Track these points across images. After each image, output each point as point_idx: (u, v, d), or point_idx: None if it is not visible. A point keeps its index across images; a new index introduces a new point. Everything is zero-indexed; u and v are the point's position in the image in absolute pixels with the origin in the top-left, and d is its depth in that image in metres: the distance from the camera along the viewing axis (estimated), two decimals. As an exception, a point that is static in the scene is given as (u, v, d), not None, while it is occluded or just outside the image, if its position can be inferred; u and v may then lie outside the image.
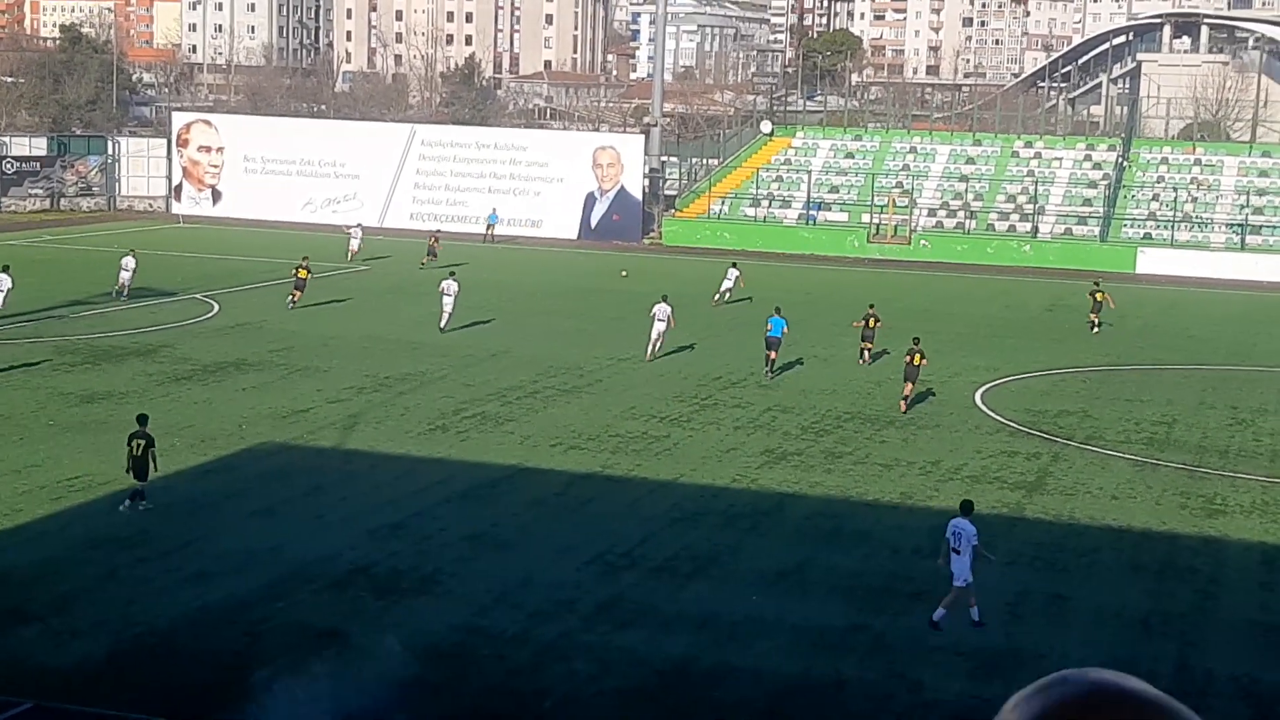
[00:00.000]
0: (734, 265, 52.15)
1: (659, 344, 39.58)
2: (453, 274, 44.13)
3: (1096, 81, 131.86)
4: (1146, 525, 25.91)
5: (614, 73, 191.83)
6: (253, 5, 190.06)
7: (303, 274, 46.25)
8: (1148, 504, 27.32)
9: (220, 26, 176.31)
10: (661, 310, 39.76)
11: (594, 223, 71.50)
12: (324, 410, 32.51)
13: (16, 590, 20.62)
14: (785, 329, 37.87)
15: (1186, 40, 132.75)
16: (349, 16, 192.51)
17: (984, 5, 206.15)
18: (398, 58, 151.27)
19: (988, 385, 37.91)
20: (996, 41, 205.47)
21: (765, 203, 72.30)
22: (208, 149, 75.45)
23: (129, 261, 46.99)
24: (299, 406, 32.74)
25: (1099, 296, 47.17)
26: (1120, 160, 72.42)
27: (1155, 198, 69.73)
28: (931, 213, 70.68)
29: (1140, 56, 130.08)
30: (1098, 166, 72.60)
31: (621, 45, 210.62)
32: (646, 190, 73.16)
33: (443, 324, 42.52)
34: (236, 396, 33.61)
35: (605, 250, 66.79)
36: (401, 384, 35.58)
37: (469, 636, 19.48)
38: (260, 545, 22.90)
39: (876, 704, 18.03)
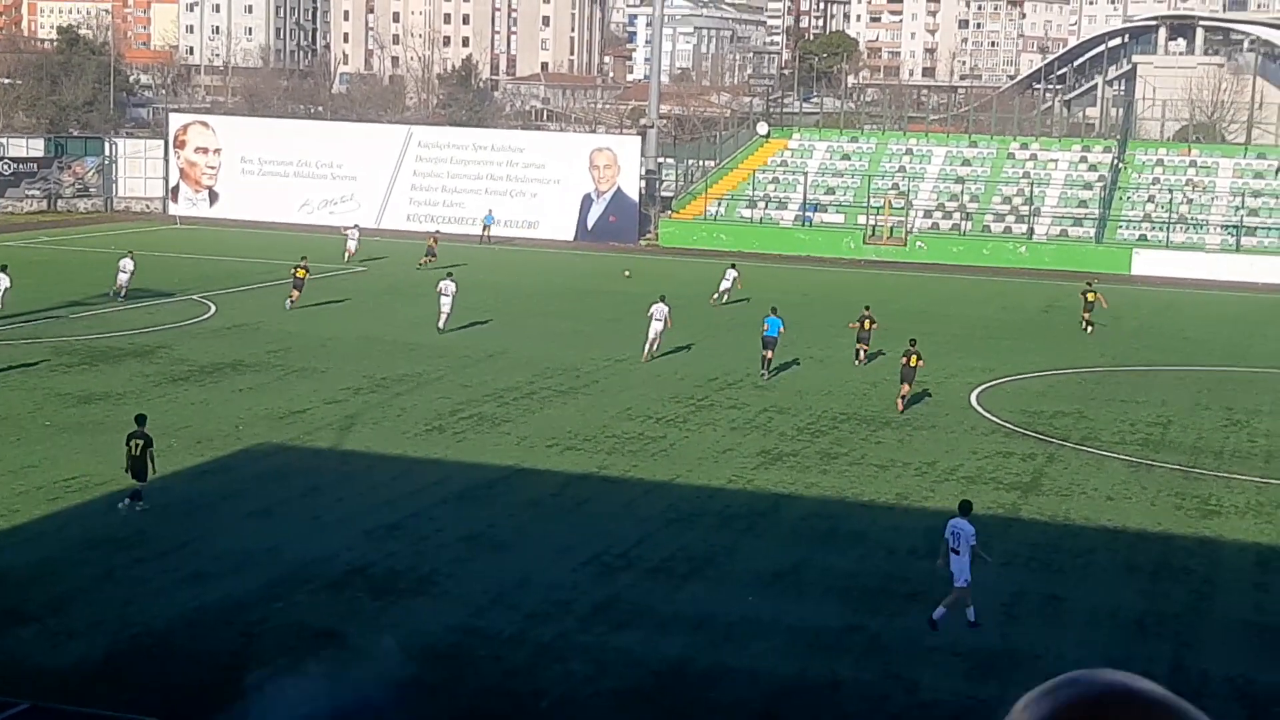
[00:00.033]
0: (732, 266, 52.27)
1: (656, 344, 39.64)
2: (450, 274, 44.20)
3: (1092, 83, 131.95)
4: (1141, 526, 25.96)
5: (610, 74, 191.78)
6: (250, 7, 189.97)
7: (301, 273, 46.31)
8: (1143, 505, 27.37)
9: (218, 28, 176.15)
10: (659, 310, 39.83)
11: (590, 224, 71.55)
12: (321, 411, 32.54)
13: (13, 591, 20.64)
14: (782, 329, 37.95)
15: (1182, 42, 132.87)
16: (346, 18, 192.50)
17: (980, 7, 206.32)
18: (395, 59, 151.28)
19: (983, 386, 37.97)
20: (992, 43, 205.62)
21: (761, 204, 72.35)
22: (205, 150, 75.46)
23: (127, 263, 47.03)
24: (296, 407, 32.77)
25: (1091, 296, 47.43)
26: (1116, 162, 72.51)
27: (1150, 199, 69.83)
28: (927, 214, 70.75)
29: (1135, 58, 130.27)
30: (1093, 168, 72.69)
31: (618, 47, 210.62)
32: (643, 192, 73.19)
33: (441, 324, 42.56)
34: (233, 397, 33.64)
35: (602, 252, 66.83)
36: (398, 385, 35.61)
37: (465, 637, 19.52)
38: (257, 546, 22.93)
39: (872, 704, 18.07)
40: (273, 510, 25.01)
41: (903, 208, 69.18)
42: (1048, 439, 32.45)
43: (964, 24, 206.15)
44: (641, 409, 33.84)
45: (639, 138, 76.59)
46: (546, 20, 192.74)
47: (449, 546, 23.32)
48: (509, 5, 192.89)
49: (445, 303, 42.64)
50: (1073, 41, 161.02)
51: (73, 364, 36.78)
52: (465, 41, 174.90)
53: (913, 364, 34.26)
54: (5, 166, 72.52)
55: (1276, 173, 70.82)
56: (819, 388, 37.10)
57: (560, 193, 71.61)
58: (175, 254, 59.34)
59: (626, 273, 56.93)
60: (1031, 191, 70.24)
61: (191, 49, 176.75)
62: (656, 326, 39.58)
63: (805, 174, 73.17)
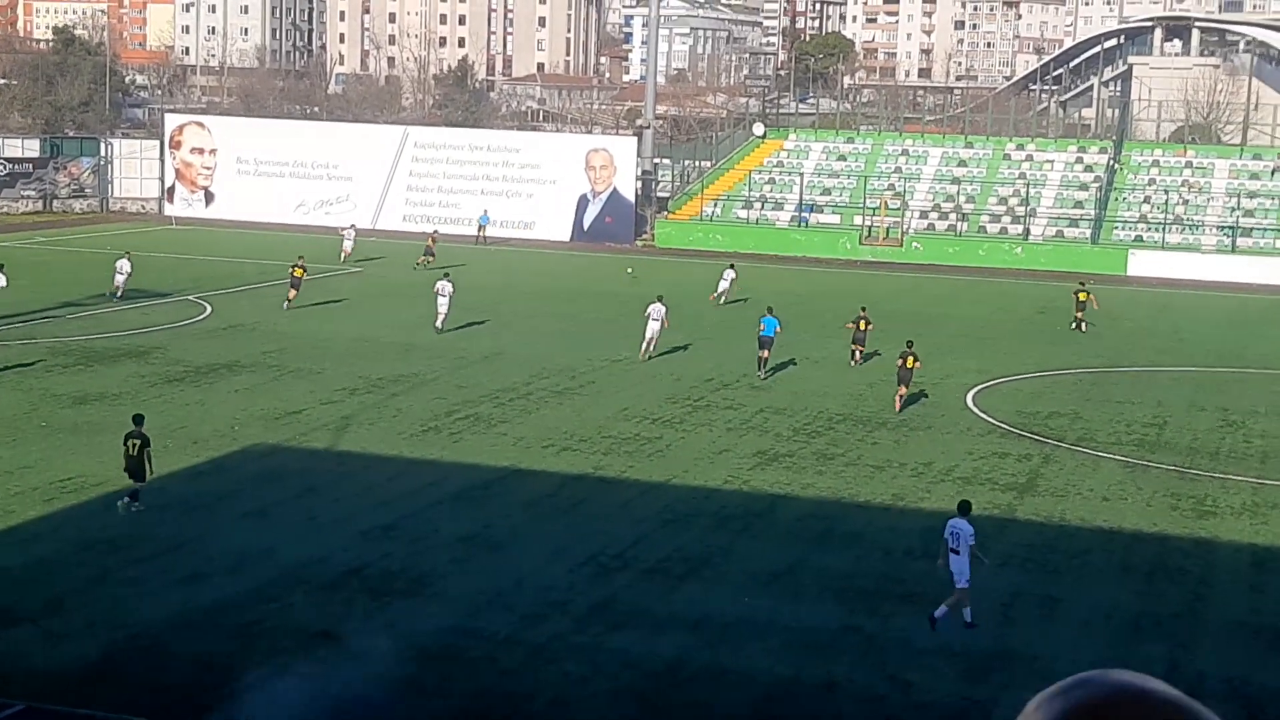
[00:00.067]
0: (731, 267, 52.30)
1: (653, 344, 39.67)
2: (447, 275, 44.25)
3: (1088, 84, 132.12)
4: (1137, 527, 25.97)
5: (607, 75, 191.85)
6: (246, 7, 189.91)
7: (298, 272, 46.34)
8: (1138, 506, 27.38)
9: (213, 29, 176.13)
10: (656, 310, 39.87)
11: (587, 225, 71.55)
12: (317, 412, 32.52)
13: (9, 592, 20.62)
14: (778, 328, 37.99)
15: (1177, 43, 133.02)
16: (342, 19, 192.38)
17: (976, 8, 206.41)
18: (390, 60, 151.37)
19: (979, 387, 37.98)
20: (988, 44, 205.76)
21: (757, 205, 72.35)
22: (200, 151, 75.41)
23: (124, 264, 47.03)
24: (292, 408, 32.75)
25: (1083, 296, 47.63)
26: (1111, 163, 72.56)
27: (1146, 200, 69.88)
28: (923, 215, 70.76)
29: (1131, 59, 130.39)
30: (1089, 169, 72.75)
31: (614, 48, 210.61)
32: (639, 192, 73.20)
33: (439, 324, 42.57)
34: (229, 398, 33.62)
35: (598, 252, 66.84)
36: (394, 385, 35.59)
37: (461, 638, 19.50)
38: (253, 547, 22.91)
39: (868, 705, 18.07)
40: (268, 511, 24.99)
41: (899, 208, 69.19)
42: (1043, 440, 32.46)
43: (960, 25, 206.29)
44: (638, 410, 33.84)
45: (635, 138, 76.60)
46: (542, 21, 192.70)
47: (445, 547, 23.31)
48: (505, 6, 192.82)
49: (442, 303, 42.66)
50: (1068, 42, 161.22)
51: (68, 364, 36.75)
52: (461, 42, 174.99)
53: (909, 365, 34.28)
54: (1, 167, 72.46)
55: (1272, 173, 70.90)
56: (815, 388, 37.11)
57: (556, 193, 71.61)
58: (171, 255, 59.30)
59: (630, 270, 57.04)
60: (1027, 192, 70.29)
61: (187, 49, 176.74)
62: (653, 327, 39.62)
63: (801, 175, 73.21)
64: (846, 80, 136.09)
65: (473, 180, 72.32)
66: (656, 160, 76.74)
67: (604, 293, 53.07)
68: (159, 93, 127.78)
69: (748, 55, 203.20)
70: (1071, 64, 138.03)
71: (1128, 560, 24.17)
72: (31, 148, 75.43)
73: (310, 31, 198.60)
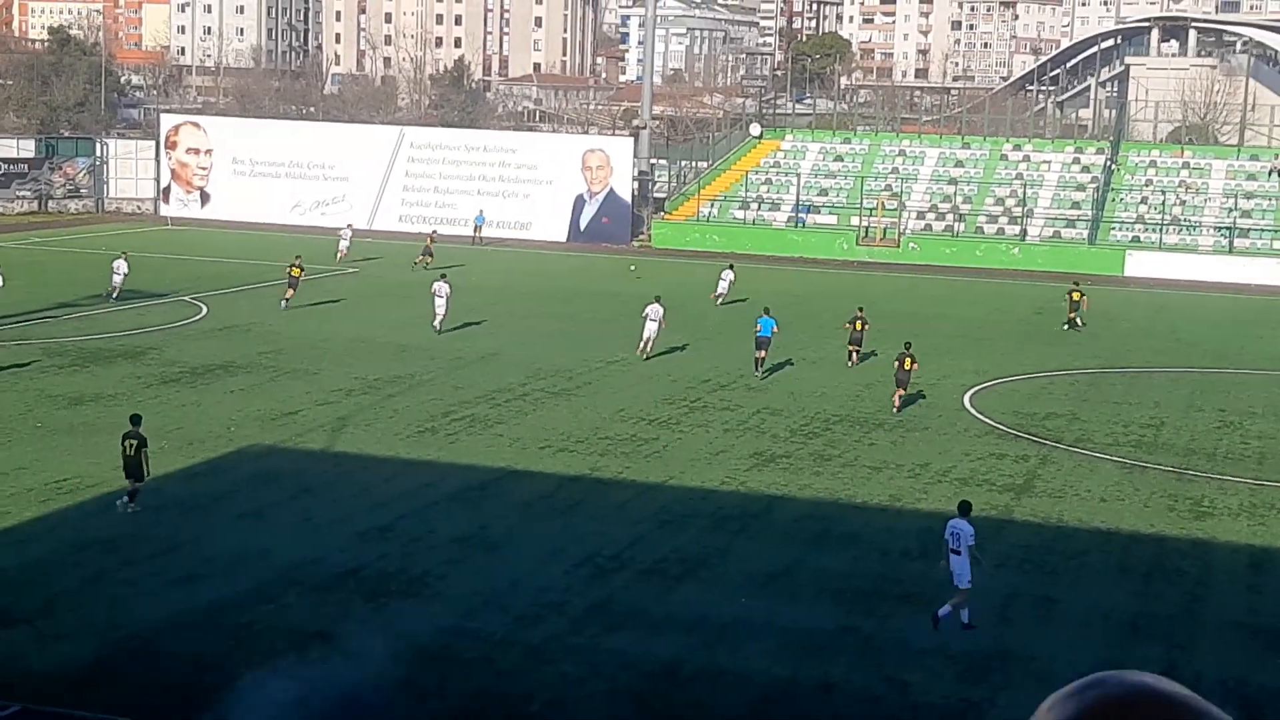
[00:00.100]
0: (730, 268, 52.27)
1: (651, 344, 39.66)
2: (444, 275, 44.26)
3: (1085, 85, 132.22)
4: (1135, 528, 25.95)
5: (603, 75, 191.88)
6: (241, 7, 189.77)
7: (296, 272, 46.32)
8: (1136, 506, 27.36)
9: (209, 29, 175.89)
10: (654, 310, 39.86)
11: (583, 225, 71.50)
12: (313, 412, 32.48)
13: (4, 593, 20.57)
14: (775, 328, 37.97)
15: (1174, 44, 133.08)
16: (338, 19, 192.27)
17: (972, 9, 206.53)
18: (386, 60, 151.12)
19: (976, 388, 37.95)
20: (985, 45, 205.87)
21: (754, 205, 72.32)
22: (196, 151, 75.33)
23: (121, 265, 47.00)
24: (288, 409, 32.70)
25: (1076, 296, 47.72)
26: (1108, 163, 72.54)
27: (1143, 201, 69.88)
28: (920, 215, 70.74)
29: (1128, 60, 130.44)
30: (1086, 169, 72.74)
31: (611, 48, 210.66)
32: (636, 193, 73.16)
33: (437, 325, 42.53)
34: (225, 399, 33.56)
35: (595, 253, 66.81)
36: (390, 386, 35.54)
37: (457, 639, 19.47)
38: (248, 548, 22.86)
39: (865, 706, 18.04)
40: (264, 512, 24.95)
41: (896, 209, 69.18)
42: (1041, 441, 32.44)
43: (956, 25, 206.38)
44: (634, 410, 33.80)
45: (632, 139, 76.56)
46: (539, 21, 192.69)
47: (441, 548, 23.27)
48: (501, 6, 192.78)
49: (440, 304, 42.62)
50: (1065, 43, 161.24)
51: (64, 365, 36.69)
52: (457, 42, 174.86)
53: (908, 367, 34.26)
54: (-4, 167, 72.40)
55: (1269, 174, 70.91)
56: (812, 389, 37.08)
57: (553, 194, 71.56)
58: (166, 255, 59.23)
59: (633, 268, 57.08)
60: (1024, 193, 70.27)
61: (183, 49, 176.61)
62: (651, 327, 39.62)
63: (798, 175, 73.18)
64: (843, 81, 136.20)
65: (469, 181, 72.26)
66: (653, 161, 76.71)
67: (600, 293, 53.03)
68: (154, 93, 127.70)
69: (744, 55, 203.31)
70: (1068, 64, 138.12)
71: (1125, 561, 24.16)
72: (27, 148, 75.32)
73: (306, 32, 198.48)
